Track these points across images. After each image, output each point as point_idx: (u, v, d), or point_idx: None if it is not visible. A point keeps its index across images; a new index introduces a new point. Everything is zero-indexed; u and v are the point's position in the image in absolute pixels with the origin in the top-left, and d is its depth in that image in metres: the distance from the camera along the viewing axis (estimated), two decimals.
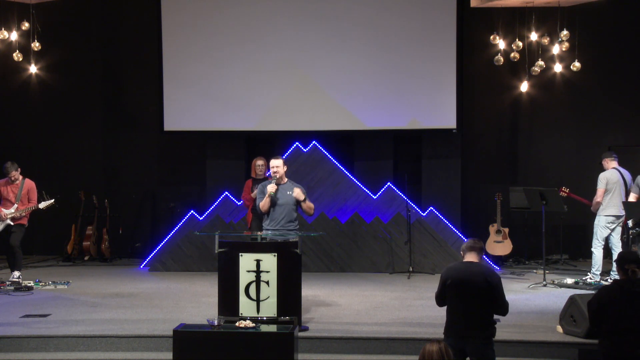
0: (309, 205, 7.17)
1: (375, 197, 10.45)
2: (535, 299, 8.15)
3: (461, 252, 5.34)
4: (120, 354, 6.27)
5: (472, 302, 5.01)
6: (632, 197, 8.71)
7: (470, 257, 5.19)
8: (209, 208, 10.64)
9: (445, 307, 5.23)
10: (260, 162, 9.34)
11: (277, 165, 7.14)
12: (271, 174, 7.19)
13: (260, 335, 5.70)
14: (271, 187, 7.08)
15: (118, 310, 7.50)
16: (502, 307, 5.12)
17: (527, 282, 9.27)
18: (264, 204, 7.11)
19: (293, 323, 6.12)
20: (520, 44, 10.36)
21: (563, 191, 9.73)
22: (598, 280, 8.92)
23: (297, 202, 7.15)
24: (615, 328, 4.91)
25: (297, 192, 7.07)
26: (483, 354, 5.00)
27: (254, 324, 5.74)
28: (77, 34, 12.14)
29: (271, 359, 5.63)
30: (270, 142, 11.37)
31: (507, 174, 11.71)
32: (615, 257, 8.16)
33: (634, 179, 9.09)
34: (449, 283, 5.10)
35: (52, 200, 9.11)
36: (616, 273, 6.58)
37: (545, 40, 10.42)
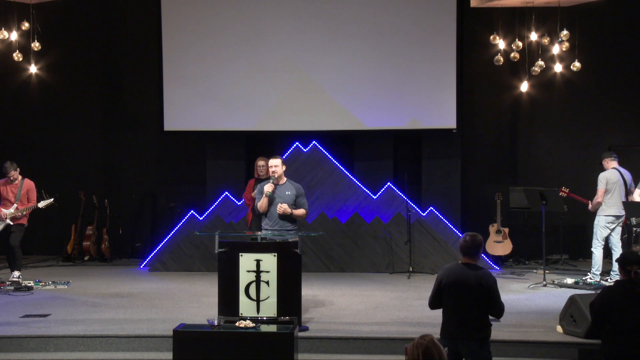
0: (297, 215, 7.15)
1: (375, 197, 10.45)
2: (535, 299, 8.13)
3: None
4: (120, 354, 6.27)
5: (466, 304, 4.98)
6: (637, 196, 8.64)
7: (466, 259, 5.14)
8: (209, 208, 10.64)
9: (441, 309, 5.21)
10: (261, 162, 9.33)
11: (276, 164, 7.15)
12: (270, 173, 7.21)
13: (260, 335, 5.70)
14: (268, 187, 7.11)
15: (118, 310, 7.50)
16: (497, 309, 5.05)
17: (527, 282, 9.26)
18: (261, 203, 7.13)
19: (293, 323, 6.12)
20: (520, 44, 10.35)
21: (563, 191, 9.72)
22: (598, 280, 8.91)
23: (295, 203, 7.16)
24: (618, 328, 4.91)
25: (284, 208, 7.04)
26: (478, 355, 4.97)
27: (254, 324, 5.73)
28: (77, 34, 12.13)
29: (271, 359, 5.63)
30: (270, 142, 11.37)
31: (507, 174, 11.70)
32: (615, 257, 8.19)
33: (634, 178, 9.09)
34: (444, 284, 5.08)
35: (52, 200, 9.12)
36: (617, 273, 6.57)
37: (545, 40, 10.41)
